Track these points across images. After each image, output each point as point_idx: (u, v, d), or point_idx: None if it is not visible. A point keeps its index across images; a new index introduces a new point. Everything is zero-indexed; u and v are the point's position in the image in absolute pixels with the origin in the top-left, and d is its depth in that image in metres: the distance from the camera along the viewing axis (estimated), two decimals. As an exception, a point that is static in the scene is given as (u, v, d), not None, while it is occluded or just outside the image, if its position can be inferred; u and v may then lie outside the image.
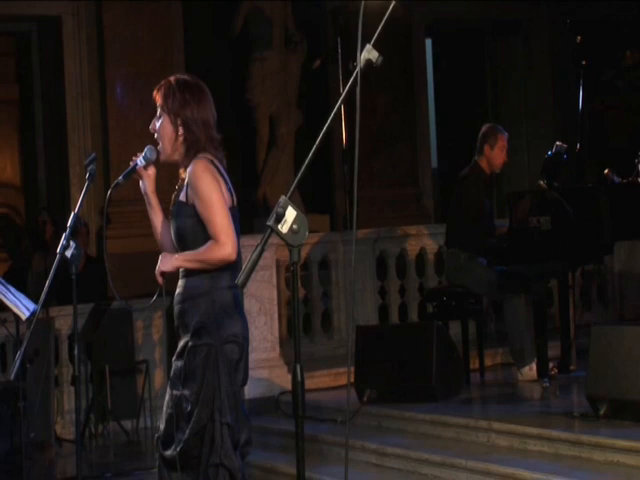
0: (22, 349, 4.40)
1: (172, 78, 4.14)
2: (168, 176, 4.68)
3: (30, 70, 11.13)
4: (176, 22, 10.92)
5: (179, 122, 4.05)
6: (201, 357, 3.95)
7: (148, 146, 4.14)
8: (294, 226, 3.06)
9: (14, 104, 11.28)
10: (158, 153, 4.13)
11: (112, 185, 4.15)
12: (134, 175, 4.16)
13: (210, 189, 3.96)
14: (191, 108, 4.05)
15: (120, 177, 4.16)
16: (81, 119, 10.63)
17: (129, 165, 4.17)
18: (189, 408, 3.95)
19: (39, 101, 11.11)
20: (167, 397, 4.08)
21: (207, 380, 3.94)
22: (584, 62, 8.11)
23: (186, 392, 3.96)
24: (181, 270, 4.06)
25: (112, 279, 4.39)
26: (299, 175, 3.15)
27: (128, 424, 8.70)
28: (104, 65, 10.60)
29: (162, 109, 4.10)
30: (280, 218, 3.06)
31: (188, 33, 11.01)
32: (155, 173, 4.18)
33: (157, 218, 4.19)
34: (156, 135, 4.14)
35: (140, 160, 4.13)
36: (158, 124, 4.12)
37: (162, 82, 4.15)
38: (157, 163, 4.19)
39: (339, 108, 3.15)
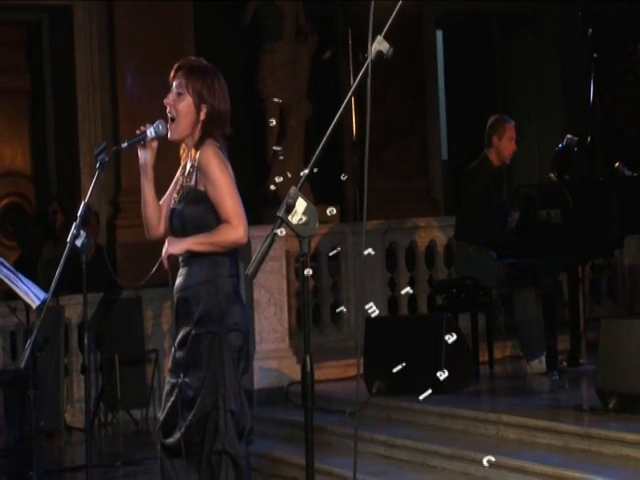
0: (32, 337, 4.41)
1: (196, 60, 4.12)
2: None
3: (41, 60, 11.13)
4: (186, 13, 10.91)
5: (203, 107, 4.05)
6: (205, 345, 3.96)
7: (160, 120, 4.12)
8: (304, 217, 3.06)
9: (25, 94, 11.29)
10: (167, 130, 4.12)
11: (114, 148, 4.15)
12: (138, 144, 4.15)
13: (221, 172, 3.98)
14: (218, 99, 4.06)
15: (125, 142, 4.15)
16: (91, 109, 10.64)
17: (136, 134, 4.16)
18: (191, 395, 3.96)
19: (50, 91, 11.11)
20: (167, 386, 4.09)
21: (211, 368, 3.95)
22: (595, 55, 8.08)
23: (188, 380, 3.97)
24: (181, 259, 4.06)
25: (111, 263, 4.38)
26: (309, 167, 3.15)
27: (137, 413, 8.72)
28: (115, 56, 10.61)
29: (186, 88, 4.05)
30: (290, 209, 3.06)
31: (198, 24, 11.00)
32: (157, 146, 4.17)
33: (150, 190, 4.19)
34: (169, 109, 4.10)
35: (150, 132, 4.11)
36: (178, 102, 4.07)
37: (184, 61, 4.12)
38: (162, 139, 4.17)
39: (349, 100, 3.15)
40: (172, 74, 4.12)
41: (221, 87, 4.08)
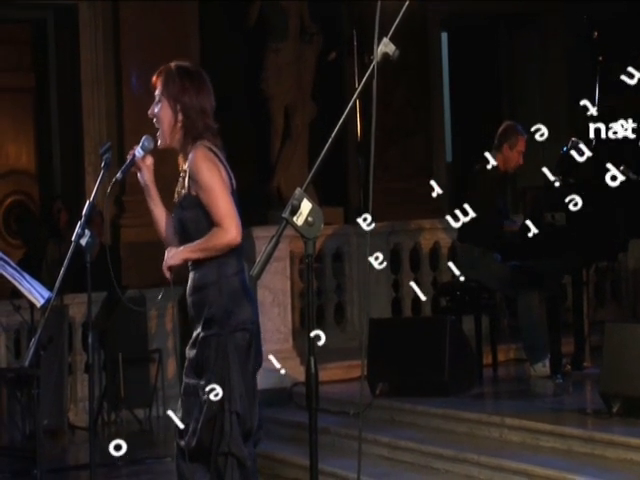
0: (36, 336, 4.42)
1: (172, 64, 4.15)
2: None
3: (46, 58, 11.14)
4: (192, 12, 10.91)
5: (178, 108, 4.06)
6: (211, 348, 3.97)
7: (145, 136, 4.14)
8: (309, 218, 3.06)
9: (30, 92, 11.29)
10: (155, 141, 4.13)
11: (112, 182, 4.15)
12: (133, 168, 4.16)
13: (210, 176, 3.97)
14: (190, 95, 4.05)
15: (119, 173, 4.15)
16: (96, 107, 10.64)
17: (127, 159, 4.17)
18: (204, 397, 3.97)
19: (55, 89, 11.12)
20: (183, 386, 4.10)
21: (217, 370, 3.95)
22: (600, 58, 8.07)
23: (202, 382, 3.99)
24: (190, 263, 4.06)
25: (115, 262, 4.38)
26: (314, 168, 3.15)
27: (141, 413, 8.73)
28: (119, 54, 10.61)
29: (162, 94, 4.09)
30: (295, 210, 3.06)
31: (204, 23, 11.00)
32: (153, 162, 4.18)
33: (158, 209, 4.19)
34: (155, 120, 4.13)
35: (138, 151, 4.13)
36: (157, 109, 4.11)
37: (162, 68, 4.15)
38: (155, 151, 4.17)
39: (354, 101, 3.14)
40: (153, 84, 4.15)
41: (192, 83, 4.07)
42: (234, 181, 4.08)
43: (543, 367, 7.27)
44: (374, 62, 3.09)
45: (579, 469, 5.41)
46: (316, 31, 11.31)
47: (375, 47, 3.09)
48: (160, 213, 4.19)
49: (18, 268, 5.65)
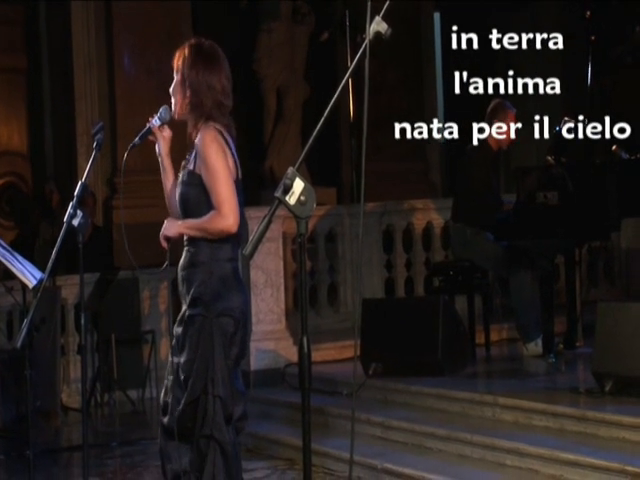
0: (29, 317, 4.41)
1: (191, 41, 4.15)
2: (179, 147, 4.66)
3: (38, 39, 11.10)
4: (184, -8, 10.88)
5: (187, 84, 4.06)
6: (195, 328, 3.96)
7: (163, 106, 4.15)
8: (302, 198, 3.05)
9: (22, 73, 11.26)
10: (172, 113, 4.13)
11: (129, 147, 4.13)
12: (150, 136, 4.16)
13: (217, 159, 3.96)
14: (197, 70, 4.04)
15: (136, 138, 4.15)
16: (88, 88, 10.61)
17: (144, 128, 4.17)
18: (183, 377, 3.97)
19: (47, 70, 11.09)
20: (168, 365, 4.10)
21: (201, 352, 3.93)
22: (593, 37, 8.06)
23: (181, 360, 3.98)
24: (185, 239, 4.06)
25: (127, 248, 4.35)
26: (307, 148, 3.14)
27: (134, 394, 8.74)
28: (112, 35, 10.58)
29: (177, 69, 4.11)
30: (288, 190, 3.05)
31: (196, 4, 10.96)
32: (171, 135, 4.18)
33: (169, 181, 4.19)
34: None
35: (155, 120, 4.13)
36: (173, 83, 4.13)
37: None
38: (172, 124, 4.17)
39: (347, 81, 3.13)
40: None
41: (202, 59, 4.06)
42: (240, 171, 4.07)
43: (536, 346, 7.28)
44: (366, 41, 3.07)
45: (572, 448, 5.43)
46: (308, 11, 11.28)
47: (367, 26, 3.08)
48: (169, 182, 4.18)
49: (10, 249, 5.63)
